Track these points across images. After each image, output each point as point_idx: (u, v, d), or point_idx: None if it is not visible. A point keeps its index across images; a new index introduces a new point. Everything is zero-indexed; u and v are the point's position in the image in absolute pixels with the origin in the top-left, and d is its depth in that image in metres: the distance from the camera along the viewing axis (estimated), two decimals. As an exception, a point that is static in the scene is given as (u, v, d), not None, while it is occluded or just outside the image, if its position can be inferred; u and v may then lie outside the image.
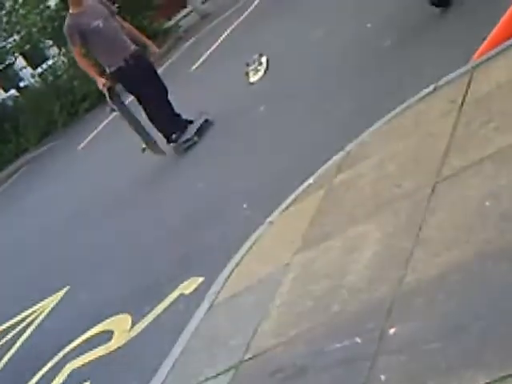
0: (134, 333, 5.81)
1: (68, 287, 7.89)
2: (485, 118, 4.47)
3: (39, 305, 8.06)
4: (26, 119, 22.40)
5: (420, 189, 4.24)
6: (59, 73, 22.72)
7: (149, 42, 10.05)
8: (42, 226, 11.66)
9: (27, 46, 23.46)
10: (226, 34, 16.05)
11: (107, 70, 9.70)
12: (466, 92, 4.99)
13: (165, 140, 9.81)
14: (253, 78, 10.37)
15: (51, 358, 6.40)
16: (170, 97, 9.77)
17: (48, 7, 21.66)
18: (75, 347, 6.30)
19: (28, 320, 7.92)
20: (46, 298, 8.08)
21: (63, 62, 22.22)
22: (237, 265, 5.15)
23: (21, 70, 25.78)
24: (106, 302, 6.73)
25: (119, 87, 9.77)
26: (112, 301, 6.65)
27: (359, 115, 6.51)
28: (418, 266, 3.59)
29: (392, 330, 3.26)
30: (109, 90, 9.46)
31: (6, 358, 7.29)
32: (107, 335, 6.08)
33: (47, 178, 15.85)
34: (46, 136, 21.89)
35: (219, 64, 13.58)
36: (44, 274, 9.16)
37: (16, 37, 22.91)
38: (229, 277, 5.08)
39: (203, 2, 22.76)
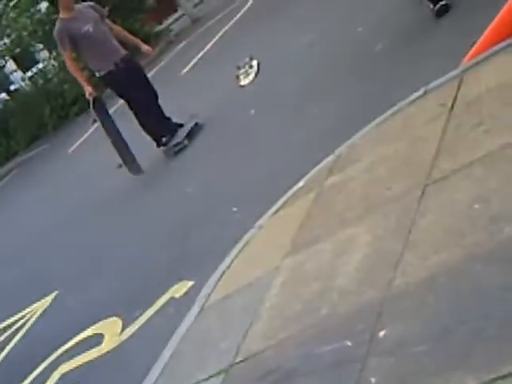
0: (124, 336, 5.80)
1: (57, 291, 7.86)
2: (475, 121, 4.48)
3: (28, 309, 8.04)
4: (16, 122, 22.36)
5: (410, 192, 4.24)
6: (49, 76, 22.70)
7: (139, 42, 10.05)
8: (32, 229, 11.63)
9: (17, 50, 23.41)
10: (217, 37, 16.06)
11: (97, 74, 9.72)
12: (456, 95, 5.01)
13: (155, 143, 9.81)
14: (243, 82, 10.37)
15: (41, 362, 6.37)
16: (160, 100, 9.78)
17: (38, 11, 21.64)
18: (65, 351, 6.28)
19: (17, 325, 7.89)
20: (34, 302, 8.05)
21: (53, 65, 22.20)
22: (227, 268, 5.15)
23: (11, 73, 25.72)
24: (96, 305, 6.71)
25: (107, 94, 9.79)
26: (102, 305, 6.64)
27: (350, 118, 6.53)
28: (407, 268, 3.60)
29: (382, 333, 3.26)
30: (94, 99, 9.47)
31: (-5, 363, 7.28)
32: (98, 339, 6.07)
33: (37, 182, 15.81)
34: (36, 139, 21.86)
35: (210, 67, 13.59)
36: (33, 278, 9.12)
37: (6, 40, 22.88)
38: (219, 280, 5.08)
39: (195, 6, 22.77)
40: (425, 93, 5.49)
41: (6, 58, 24.33)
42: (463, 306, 3.08)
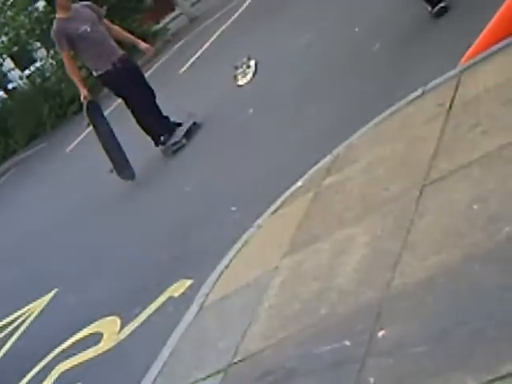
0: (123, 335, 5.81)
1: (56, 290, 7.87)
2: (473, 121, 4.49)
3: (27, 307, 8.05)
4: (14, 121, 22.35)
5: (408, 192, 4.26)
6: (47, 75, 22.68)
7: (138, 40, 10.05)
8: (30, 228, 11.64)
9: (15, 48, 23.39)
10: (214, 36, 16.06)
11: (94, 74, 9.74)
12: (454, 96, 5.02)
13: (153, 142, 9.82)
14: (241, 81, 10.38)
15: (40, 360, 6.39)
16: (158, 99, 9.79)
17: (36, 9, 21.62)
18: (64, 350, 6.29)
19: (16, 323, 7.90)
20: (33, 300, 8.06)
21: (51, 64, 22.19)
22: (225, 268, 5.17)
23: (9, 71, 25.70)
24: (95, 304, 6.72)
25: (104, 93, 9.81)
26: (101, 303, 6.65)
27: (347, 118, 6.54)
28: (406, 269, 3.61)
29: (381, 333, 3.28)
30: (88, 103, 9.49)
31: (-6, 361, 7.29)
32: (96, 337, 6.08)
33: (35, 181, 15.82)
34: (34, 138, 21.86)
35: (207, 67, 13.59)
36: (31, 276, 9.13)
37: (4, 38, 22.85)
38: (217, 280, 5.09)
39: (192, 5, 22.76)
40: (423, 93, 5.50)
41: (4, 56, 24.30)
42: (462, 307, 3.10)
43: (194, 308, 4.93)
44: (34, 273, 9.20)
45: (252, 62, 10.54)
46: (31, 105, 21.70)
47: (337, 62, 8.51)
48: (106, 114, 10.50)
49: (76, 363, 5.92)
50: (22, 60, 25.34)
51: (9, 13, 22.10)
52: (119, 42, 9.86)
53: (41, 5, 21.56)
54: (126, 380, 5.07)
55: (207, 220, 6.81)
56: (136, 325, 5.79)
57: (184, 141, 9.68)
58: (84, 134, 16.06)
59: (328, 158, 5.64)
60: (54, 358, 6.29)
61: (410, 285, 3.47)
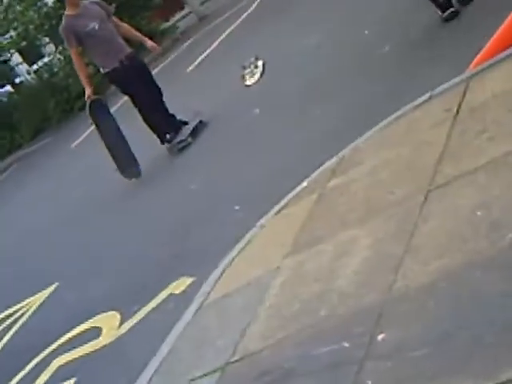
0: (122, 330, 5.81)
1: (56, 284, 7.87)
2: (479, 127, 4.48)
3: (26, 301, 8.04)
4: (20, 115, 22.34)
5: (412, 196, 4.25)
6: (55, 70, 22.68)
7: (145, 38, 10.04)
8: (33, 223, 11.63)
9: (23, 43, 23.39)
10: (223, 36, 16.06)
11: (102, 71, 9.75)
12: (461, 101, 5.01)
13: (159, 140, 9.82)
14: (249, 81, 10.37)
15: (38, 354, 6.38)
16: (165, 98, 9.78)
17: (45, 4, 21.62)
18: (62, 344, 6.29)
19: (15, 316, 7.90)
20: (33, 294, 8.05)
21: (59, 59, 22.17)
22: (227, 266, 5.16)
23: (16, 66, 25.71)
24: (95, 299, 6.72)
25: (111, 91, 9.81)
26: (101, 298, 6.64)
27: (354, 121, 6.53)
28: (408, 272, 3.60)
29: (381, 336, 3.27)
30: (91, 103, 9.50)
31: (-8, 354, 7.28)
32: (95, 332, 6.08)
33: (40, 175, 15.82)
34: (40, 133, 21.84)
35: (215, 66, 13.58)
36: (32, 271, 9.12)
37: (13, 33, 22.84)
38: (219, 278, 5.08)
39: (201, 4, 22.76)
40: (430, 97, 5.49)
41: (12, 51, 24.31)
42: (463, 312, 3.09)
43: (193, 306, 4.93)
44: (34, 268, 9.19)
45: (260, 62, 10.54)
46: (38, 99, 21.69)
47: (343, 63, 8.50)
48: (112, 111, 10.48)
49: (74, 357, 5.92)
50: (30, 55, 25.33)
51: (18, 7, 22.08)
52: (127, 40, 9.86)
53: (50, 0, 21.56)
54: (123, 376, 5.05)
55: (210, 219, 6.80)
56: (135, 321, 5.78)
57: (190, 139, 9.67)
58: (90, 130, 16.06)
59: (333, 160, 5.63)
60: (51, 352, 6.28)
61: (412, 289, 3.46)
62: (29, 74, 24.43)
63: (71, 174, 13.48)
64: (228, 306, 4.67)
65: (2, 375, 6.64)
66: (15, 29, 22.42)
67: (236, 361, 3.96)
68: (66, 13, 9.55)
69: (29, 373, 6.23)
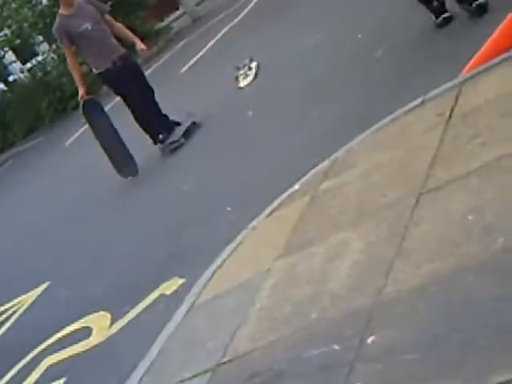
0: (112, 331, 5.80)
1: (48, 283, 7.86)
2: (472, 132, 4.49)
3: (18, 299, 8.03)
4: (13, 114, 22.31)
5: (404, 200, 4.25)
6: (49, 69, 22.64)
7: (137, 40, 10.02)
8: (25, 221, 11.62)
9: (17, 41, 23.35)
10: (217, 37, 16.04)
11: (94, 71, 9.76)
12: (454, 106, 5.02)
13: (151, 141, 9.82)
14: (242, 83, 10.39)
15: (28, 353, 6.37)
16: (158, 98, 9.78)
17: (40, 2, 21.59)
18: (53, 343, 6.28)
19: (6, 314, 7.88)
20: (25, 292, 8.03)
21: (53, 58, 22.14)
22: (218, 268, 5.15)
23: (10, 64, 25.66)
24: (86, 299, 6.70)
25: (104, 91, 9.80)
26: (92, 298, 6.63)
27: (347, 124, 6.53)
28: (398, 276, 3.60)
29: (371, 339, 3.27)
30: (85, 103, 9.49)
31: (-18, 352, 7.26)
32: (86, 332, 6.07)
33: (32, 174, 15.77)
34: (32, 131, 21.81)
35: (209, 67, 13.58)
36: (24, 269, 9.11)
37: (7, 31, 22.80)
38: (210, 279, 5.07)
39: (197, 4, 22.73)
40: (423, 102, 5.49)
41: (6, 48, 24.26)
42: (455, 316, 3.09)
43: (184, 307, 4.92)
44: (26, 265, 9.18)
45: (254, 64, 10.56)
46: (31, 98, 21.65)
47: (338, 66, 8.50)
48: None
49: (64, 357, 5.91)
50: (24, 53, 25.29)
51: (13, 5, 22.05)
52: (120, 40, 9.86)
53: (45, -1, 21.55)
54: (112, 376, 5.04)
55: (203, 219, 6.80)
56: (126, 321, 5.77)
57: (182, 140, 9.67)
58: (83, 129, 16.04)
59: (326, 163, 5.63)
60: (42, 351, 6.27)
61: (403, 292, 3.46)
62: (22, 72, 24.39)
63: (65, 172, 13.45)
64: (219, 308, 4.67)
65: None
66: (9, 27, 22.39)
67: (226, 362, 3.95)
68: (59, 12, 9.56)
69: (19, 371, 6.22)
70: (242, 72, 10.62)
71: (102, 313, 6.20)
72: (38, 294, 7.77)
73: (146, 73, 10.72)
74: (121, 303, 6.05)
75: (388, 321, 3.35)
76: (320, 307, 3.80)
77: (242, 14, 16.82)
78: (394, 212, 4.22)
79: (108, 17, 9.82)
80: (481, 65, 5.44)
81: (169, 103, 10.20)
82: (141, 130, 9.75)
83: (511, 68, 5.12)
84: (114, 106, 12.74)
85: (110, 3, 13.77)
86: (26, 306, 7.70)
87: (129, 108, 9.76)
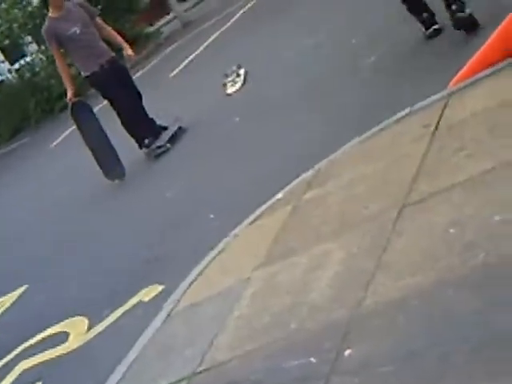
0: (89, 336, 5.75)
1: (26, 286, 7.78)
2: (457, 144, 4.46)
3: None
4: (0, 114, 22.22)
5: (387, 211, 4.22)
6: (37, 70, 22.57)
7: (126, 45, 9.98)
8: (7, 223, 11.53)
9: (6, 41, 23.28)
10: (206, 43, 16.01)
11: (82, 74, 9.72)
12: (440, 118, 5.00)
13: (137, 145, 9.77)
14: (230, 90, 10.36)
15: (3, 357, 6.31)
16: (145, 102, 9.74)
17: (30, 3, 21.54)
18: (28, 347, 6.21)
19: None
20: (1, 296, 7.95)
21: (41, 59, 22.08)
22: (198, 275, 5.11)
23: (-2, 64, 25.60)
24: (64, 303, 6.65)
25: (91, 93, 9.76)
26: (70, 303, 6.57)
27: (333, 132, 6.50)
28: (378, 288, 3.56)
29: (348, 352, 3.23)
30: (73, 105, 9.46)
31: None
32: (62, 337, 6.01)
33: (17, 175, 15.67)
34: (18, 132, 21.72)
35: (198, 73, 13.55)
36: (2, 272, 9.02)
37: (-4, 31, 22.75)
38: (189, 287, 5.03)
39: (186, 11, 22.71)
40: (409, 113, 5.47)
41: (-6, 48, 24.22)
42: (434, 329, 3.06)
43: (162, 314, 4.88)
44: (5, 267, 9.08)
45: (242, 71, 10.54)
46: (18, 99, 21.57)
47: (328, 73, 8.47)
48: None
49: (40, 361, 5.85)
50: (13, 53, 25.22)
51: (3, 5, 22.01)
52: (109, 43, 9.82)
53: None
54: (89, 380, 5.00)
55: (185, 226, 6.75)
56: (103, 326, 5.72)
57: (168, 145, 9.62)
58: (69, 130, 15.96)
59: (310, 172, 5.60)
60: (17, 355, 6.20)
61: (382, 304, 3.42)
62: (10, 72, 24.31)
63: (49, 174, 13.34)
64: (197, 315, 4.63)
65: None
66: (-1, 26, 22.33)
67: (203, 371, 3.91)
68: (49, 15, 9.54)
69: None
70: (230, 79, 10.60)
71: (79, 317, 6.14)
72: (15, 297, 7.68)
73: (135, 77, 10.70)
74: (99, 308, 6.00)
75: (366, 334, 3.31)
76: (299, 318, 3.76)
77: (233, 20, 16.78)
78: (376, 224, 4.19)
79: (99, 20, 9.79)
80: (469, 77, 5.43)
81: (157, 107, 10.17)
82: (127, 134, 9.69)
83: (498, 81, 5.10)
84: (102, 108, 12.68)
85: (99, 7, 13.70)
86: (3, 309, 7.61)
87: (115, 111, 9.72)
